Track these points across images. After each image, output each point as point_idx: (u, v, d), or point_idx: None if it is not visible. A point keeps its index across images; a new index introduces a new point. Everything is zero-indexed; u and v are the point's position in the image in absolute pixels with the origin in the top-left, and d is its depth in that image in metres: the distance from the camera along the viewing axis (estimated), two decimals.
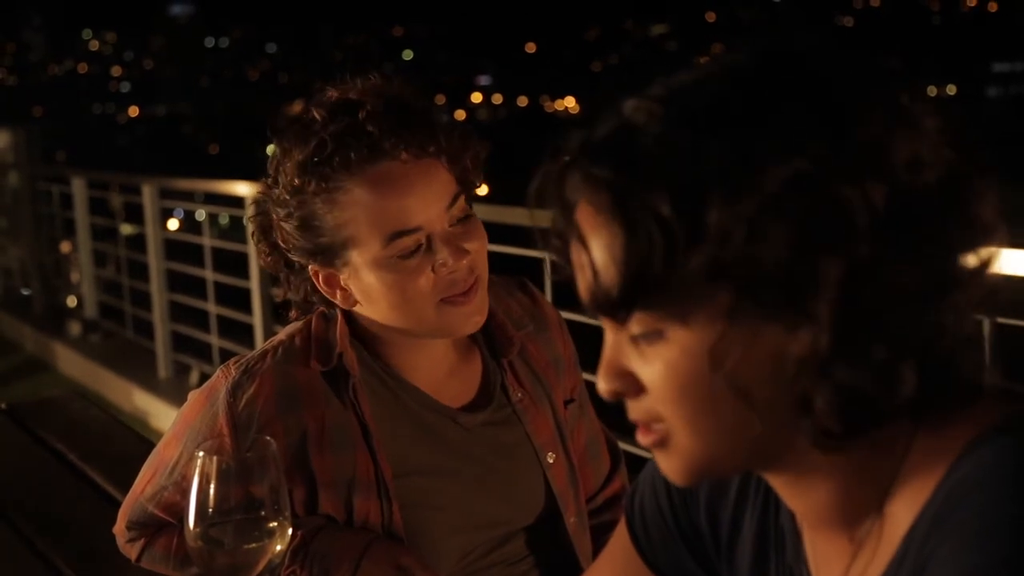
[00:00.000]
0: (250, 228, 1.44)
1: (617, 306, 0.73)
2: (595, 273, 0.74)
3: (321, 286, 1.37)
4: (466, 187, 1.36)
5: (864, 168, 0.68)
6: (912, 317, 0.69)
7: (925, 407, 0.73)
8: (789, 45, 0.74)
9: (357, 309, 1.38)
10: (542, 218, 0.81)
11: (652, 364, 0.74)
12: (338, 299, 1.37)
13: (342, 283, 1.36)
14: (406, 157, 1.30)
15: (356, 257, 1.31)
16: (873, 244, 0.68)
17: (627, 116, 0.74)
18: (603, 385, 0.78)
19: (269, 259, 1.42)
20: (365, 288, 1.33)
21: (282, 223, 1.34)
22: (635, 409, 0.78)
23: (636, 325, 0.74)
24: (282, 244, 1.36)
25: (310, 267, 1.36)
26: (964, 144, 0.72)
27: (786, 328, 0.70)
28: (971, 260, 0.71)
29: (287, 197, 1.31)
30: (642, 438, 0.78)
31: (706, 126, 0.70)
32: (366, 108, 1.29)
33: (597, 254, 0.74)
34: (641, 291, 0.71)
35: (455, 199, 1.33)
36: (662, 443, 0.77)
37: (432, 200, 1.31)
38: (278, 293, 1.47)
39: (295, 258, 1.37)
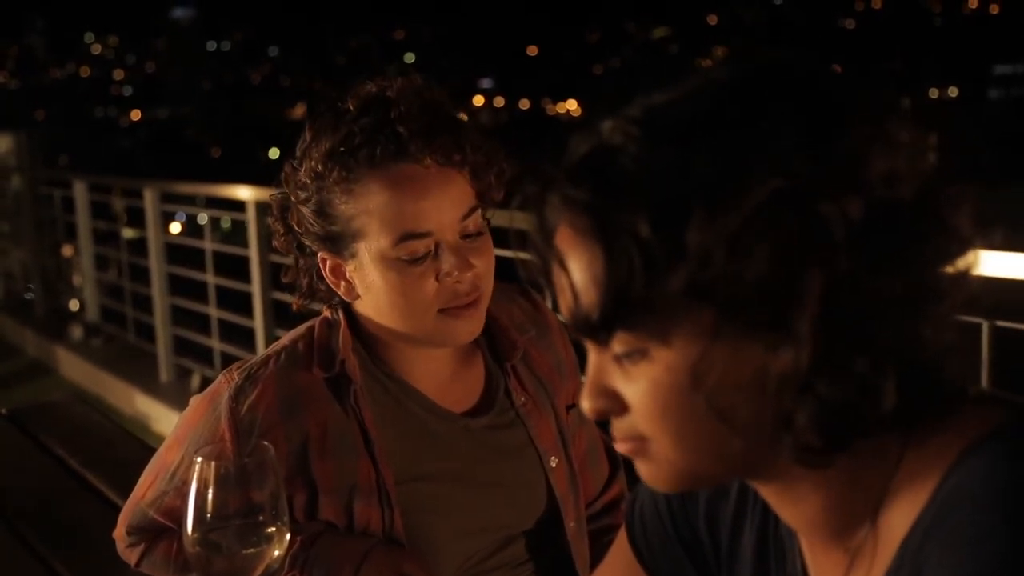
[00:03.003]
0: (271, 207, 1.44)
1: (598, 328, 0.73)
2: (575, 295, 0.74)
3: (327, 275, 1.38)
4: (484, 202, 1.36)
5: (841, 183, 0.68)
6: (892, 329, 0.70)
7: (912, 417, 0.73)
8: (766, 61, 0.74)
9: (359, 304, 1.39)
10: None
11: (636, 383, 0.75)
12: (342, 290, 1.38)
13: (347, 275, 1.37)
14: (429, 162, 1.30)
15: (364, 251, 1.32)
16: (851, 257, 0.68)
17: (604, 137, 0.74)
18: (587, 404, 0.78)
19: (283, 239, 1.42)
20: (368, 283, 1.34)
21: (300, 206, 1.35)
22: (619, 427, 0.78)
23: (618, 345, 0.74)
24: (296, 227, 1.37)
25: (319, 254, 1.37)
26: (942, 154, 0.73)
27: (767, 346, 0.70)
28: (949, 270, 0.72)
29: (308, 181, 1.32)
30: (620, 447, 0.79)
31: (684, 146, 0.70)
32: (399, 108, 1.30)
33: (577, 276, 0.74)
34: (622, 312, 0.72)
35: (471, 212, 1.33)
36: (642, 452, 0.78)
37: (447, 208, 1.31)
38: (286, 273, 1.47)
39: (307, 242, 1.38)
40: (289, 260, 1.46)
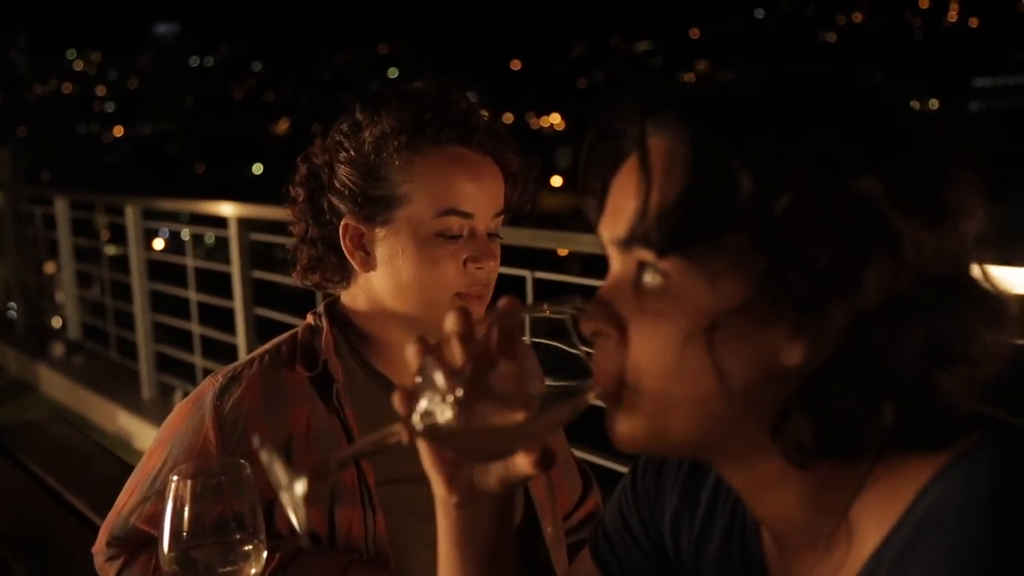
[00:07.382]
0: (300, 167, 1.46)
1: (666, 239, 0.74)
2: (647, 203, 0.74)
3: (346, 243, 1.40)
4: (509, 209, 1.43)
5: (929, 220, 0.71)
6: (913, 368, 0.71)
7: (895, 439, 0.74)
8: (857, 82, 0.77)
9: (364, 283, 1.40)
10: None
11: (647, 315, 0.75)
12: (357, 260, 1.40)
13: (368, 245, 1.39)
14: (487, 154, 1.40)
15: (402, 218, 1.36)
16: (910, 284, 0.70)
17: (728, 83, 0.77)
18: (588, 324, 0.78)
19: (300, 207, 1.44)
20: (393, 253, 1.37)
21: (341, 165, 1.38)
22: (604, 359, 0.77)
23: (652, 276, 0.75)
24: (336, 185, 1.39)
25: (344, 219, 1.39)
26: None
27: (791, 331, 0.71)
28: (983, 341, 0.73)
29: (369, 139, 1.36)
30: (600, 387, 0.78)
31: (802, 117, 0.73)
32: (467, 101, 1.41)
33: (659, 189, 0.74)
34: (692, 235, 0.72)
35: (499, 213, 1.41)
36: (620, 398, 0.77)
37: (489, 199, 1.39)
38: (291, 245, 1.49)
39: (337, 202, 1.39)
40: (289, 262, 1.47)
